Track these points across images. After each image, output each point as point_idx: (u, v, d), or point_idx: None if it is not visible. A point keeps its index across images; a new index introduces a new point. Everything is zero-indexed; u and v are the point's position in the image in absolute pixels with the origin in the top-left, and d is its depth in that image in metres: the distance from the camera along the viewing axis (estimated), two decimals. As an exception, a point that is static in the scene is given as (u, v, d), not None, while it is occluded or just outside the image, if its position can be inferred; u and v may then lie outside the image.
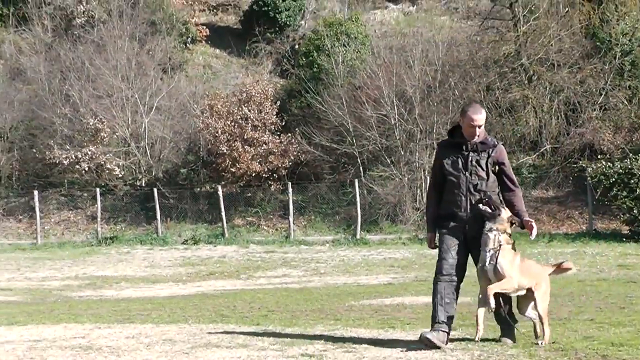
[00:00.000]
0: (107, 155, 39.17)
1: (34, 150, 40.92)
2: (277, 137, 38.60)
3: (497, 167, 9.01)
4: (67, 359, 9.07)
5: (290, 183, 36.73)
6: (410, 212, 35.40)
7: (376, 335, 10.37)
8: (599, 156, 34.10)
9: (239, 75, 46.23)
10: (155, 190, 37.63)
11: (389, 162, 36.24)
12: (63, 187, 41.12)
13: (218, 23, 52.53)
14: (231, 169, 37.80)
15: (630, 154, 32.26)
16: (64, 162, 38.86)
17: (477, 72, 38.41)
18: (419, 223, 34.41)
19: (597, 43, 37.87)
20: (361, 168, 36.94)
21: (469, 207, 8.98)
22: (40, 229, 38.04)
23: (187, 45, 48.77)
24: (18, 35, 48.95)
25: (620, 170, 30.41)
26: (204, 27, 50.00)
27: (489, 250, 8.80)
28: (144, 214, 39.11)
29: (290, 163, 38.21)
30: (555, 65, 37.70)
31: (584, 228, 33.14)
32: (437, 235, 9.32)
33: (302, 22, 49.85)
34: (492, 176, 9.03)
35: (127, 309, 14.86)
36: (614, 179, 30.45)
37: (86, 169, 38.85)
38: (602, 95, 37.36)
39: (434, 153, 9.87)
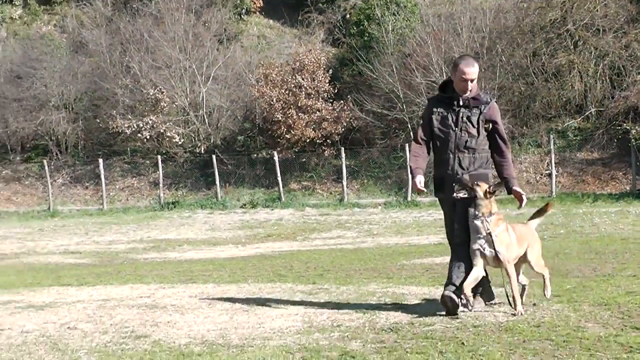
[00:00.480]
0: (167, 124, 39.37)
1: (98, 120, 41.16)
2: (330, 104, 38.52)
3: (489, 125, 8.49)
4: (134, 316, 9.11)
5: (343, 148, 36.70)
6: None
7: (427, 292, 10.34)
8: (644, 118, 33.62)
9: (292, 45, 46.05)
10: (214, 156, 37.79)
11: None
12: (126, 155, 41.60)
13: (272, -6, 52.40)
14: (286, 135, 37.83)
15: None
16: (127, 131, 39.20)
17: (524, 39, 37.94)
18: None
19: (643, 7, 37.16)
20: (411, 133, 35.25)
21: (457, 166, 8.47)
22: (106, 195, 38.62)
23: (242, 16, 48.65)
24: (80, 9, 49.27)
25: (665, 132, 30.19)
26: None
27: (482, 238, 8.22)
28: (204, 180, 39.28)
29: (343, 129, 38.15)
30: (601, 30, 37.05)
31: (627, 188, 32.79)
32: (435, 197, 9.08)
33: (353, -9, 49.43)
34: (483, 133, 8.48)
35: (189, 270, 14.89)
36: (658, 141, 30.25)
37: (147, 137, 39.20)
38: (648, 59, 36.86)
39: (424, 108, 8.83)
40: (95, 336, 7.95)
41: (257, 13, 50.00)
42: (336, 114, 38.30)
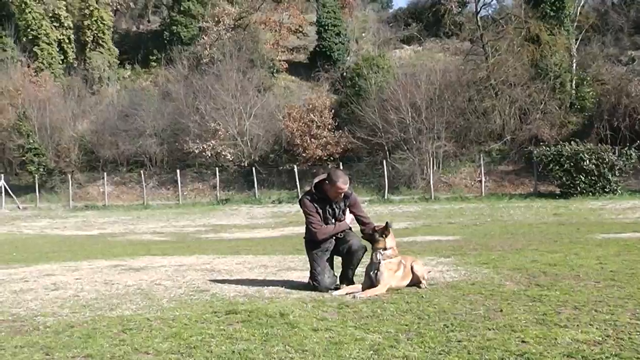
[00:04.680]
0: (222, 146, 39.16)
1: (176, 144, 41.08)
2: (332, 133, 38.38)
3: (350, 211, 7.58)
4: (199, 277, 8.97)
5: (341, 163, 36.55)
6: (419, 180, 34.96)
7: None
8: (541, 143, 33.66)
9: (307, 93, 45.68)
10: (253, 169, 37.71)
11: (405, 148, 35.64)
12: (195, 167, 41.17)
13: (294, 60, 52.35)
14: (303, 154, 37.94)
15: (560, 142, 31.75)
16: (195, 151, 39.07)
17: (462, 89, 37.71)
18: (425, 188, 34.13)
19: (539, 70, 37.22)
20: (388, 152, 36.44)
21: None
22: (181, 194, 38.45)
23: (274, 74, 48.50)
24: (167, 70, 49.43)
25: (554, 152, 29.92)
26: (285, 62, 50.07)
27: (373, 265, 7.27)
28: (247, 184, 38.82)
29: (341, 150, 37.97)
30: (513, 84, 37.04)
31: (531, 190, 32.58)
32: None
33: (348, 58, 49.47)
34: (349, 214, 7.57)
35: (236, 245, 14.54)
36: (550, 158, 29.96)
37: (209, 155, 39.11)
38: (542, 104, 36.87)
39: (305, 203, 7.42)
40: (173, 290, 7.94)
41: (284, 72, 49.96)
42: (337, 140, 38.13)
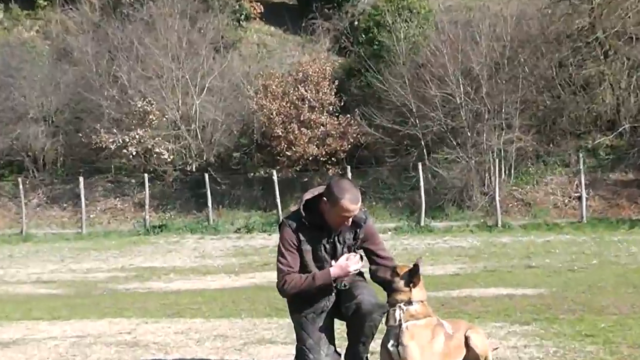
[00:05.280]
0: (156, 139, 39.41)
1: (80, 135, 41.23)
2: (336, 119, 38.59)
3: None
4: (112, 356, 9.16)
5: (349, 167, 36.92)
6: (478, 197, 35.36)
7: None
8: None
9: (295, 54, 46.54)
10: (206, 175, 37.96)
11: (454, 144, 36.09)
12: (110, 173, 41.66)
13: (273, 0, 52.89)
14: (287, 152, 37.97)
15: None
16: (111, 146, 39.22)
17: (549, 48, 38.08)
18: (487, 209, 34.66)
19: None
20: (425, 150, 36.92)
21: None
22: (86, 217, 38.58)
23: (241, 22, 48.97)
24: (65, 14, 49.67)
25: None
26: (258, 3, 50.39)
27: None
28: (195, 201, 39.36)
29: (350, 146, 38.22)
30: (634, 38, 37.22)
31: (666, 214, 33.02)
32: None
33: (361, -3, 50.10)
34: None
35: (176, 303, 14.98)
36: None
37: (134, 153, 39.25)
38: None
39: (283, 232, 7.29)
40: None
41: (257, 19, 50.61)
42: (342, 129, 38.38)
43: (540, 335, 9.29)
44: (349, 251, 7.30)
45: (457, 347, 7.02)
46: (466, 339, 7.09)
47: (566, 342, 8.74)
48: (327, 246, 7.27)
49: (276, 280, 7.33)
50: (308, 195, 7.26)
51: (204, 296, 16.22)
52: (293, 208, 36.35)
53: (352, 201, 6.97)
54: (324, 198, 7.08)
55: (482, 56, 36.53)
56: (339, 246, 7.27)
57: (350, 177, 35.11)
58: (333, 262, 7.26)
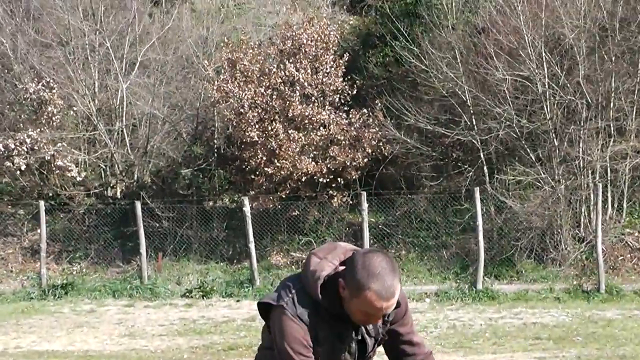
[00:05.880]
0: (59, 144, 39.31)
1: None
2: (345, 115, 38.41)
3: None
4: None
5: (364, 193, 36.30)
6: (570, 244, 35.20)
7: None
8: None
9: (280, 10, 46.79)
10: (138, 204, 37.41)
11: (532, 158, 36.04)
12: None
13: None
14: (266, 168, 37.30)
15: None
16: None
17: None
18: (584, 264, 34.60)
19: None
20: (485, 168, 37.03)
21: None
22: None
23: None
24: None
25: None
26: None
27: None
28: (120, 246, 39.42)
29: (366, 159, 37.87)
30: None
31: None
32: None
33: None
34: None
35: None
36: None
37: (22, 167, 38.99)
38: None
39: (283, 322, 7.04)
40: None
41: None
42: (354, 133, 38.18)
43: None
44: (378, 344, 7.38)
45: None
46: None
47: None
48: (354, 346, 7.25)
49: None
50: (326, 269, 7.01)
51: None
52: (276, 258, 36.66)
53: (381, 296, 6.73)
54: (340, 279, 6.91)
55: (579, 18, 36.24)
56: (369, 342, 7.30)
57: (366, 209, 35.66)
58: None
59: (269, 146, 37.27)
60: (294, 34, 39.29)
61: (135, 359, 23.67)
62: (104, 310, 33.09)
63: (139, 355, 24.29)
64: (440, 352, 22.49)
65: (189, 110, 41.56)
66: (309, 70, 38.34)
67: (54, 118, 39.55)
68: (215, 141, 40.86)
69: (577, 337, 24.42)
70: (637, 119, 36.07)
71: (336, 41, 39.77)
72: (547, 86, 35.98)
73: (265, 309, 7.15)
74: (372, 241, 35.83)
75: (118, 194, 40.32)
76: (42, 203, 37.97)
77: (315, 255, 7.09)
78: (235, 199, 38.54)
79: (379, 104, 38.16)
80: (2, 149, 38.62)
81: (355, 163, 37.50)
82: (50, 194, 39.51)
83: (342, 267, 6.95)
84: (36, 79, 39.59)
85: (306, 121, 37.84)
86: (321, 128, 37.88)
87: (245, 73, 38.48)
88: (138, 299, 34.90)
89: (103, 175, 40.70)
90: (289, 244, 37.86)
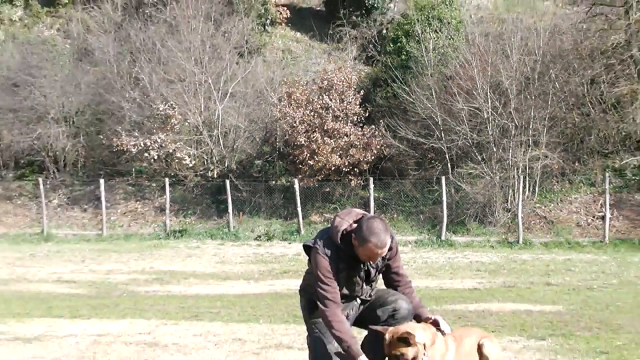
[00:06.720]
0: (178, 143, 39.04)
1: (101, 137, 40.91)
2: (360, 129, 38.24)
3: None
4: (131, 354, 9.30)
5: (372, 178, 36.35)
6: (501, 213, 35.05)
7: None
8: None
9: (320, 61, 45.87)
10: (227, 182, 37.55)
11: (479, 159, 35.80)
12: (130, 177, 41.50)
13: (300, 4, 52.42)
14: (309, 161, 37.41)
15: None
16: (132, 149, 38.70)
17: (581, 64, 37.54)
18: (509, 225, 34.35)
19: None
20: (449, 164, 36.66)
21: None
22: (106, 219, 38.38)
23: (266, 27, 48.50)
24: (86, 13, 48.96)
25: None
26: (285, 8, 49.77)
27: None
28: (215, 207, 39.15)
29: (373, 157, 37.83)
30: None
31: (691, 237, 32.33)
32: None
33: (391, 4, 49.26)
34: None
35: (195, 306, 14.93)
36: None
37: (155, 157, 38.84)
38: None
39: (319, 261, 7.66)
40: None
41: (283, 24, 49.84)
42: (366, 140, 37.98)
43: (555, 351, 9.37)
44: (378, 272, 8.01)
45: (469, 353, 7.41)
46: (479, 346, 7.47)
47: (580, 358, 8.83)
48: (362, 274, 7.86)
49: (318, 303, 7.66)
50: (343, 225, 7.69)
51: (223, 301, 16.13)
52: (314, 218, 36.71)
53: (377, 246, 7.49)
54: (353, 235, 7.61)
55: (512, 70, 36.04)
56: (372, 271, 7.91)
57: (373, 188, 35.65)
58: (364, 288, 7.92)
59: (311, 147, 37.32)
60: (328, 77, 39.23)
61: (224, 277, 23.27)
62: (205, 247, 32.99)
63: (226, 274, 23.94)
64: (417, 279, 21.98)
65: (260, 124, 40.98)
66: (337, 100, 38.31)
67: (175, 127, 39.23)
68: (277, 143, 40.31)
69: (503, 270, 24.26)
70: (547, 135, 35.71)
71: (356, 82, 39.61)
72: (490, 113, 35.76)
73: (306, 248, 7.96)
74: (375, 209, 35.84)
75: (215, 175, 39.65)
76: (167, 180, 38.37)
77: (338, 217, 7.83)
78: (289, 180, 38.08)
79: (382, 123, 37.99)
80: (142, 145, 38.29)
81: (366, 159, 37.55)
82: (172, 174, 39.15)
83: (355, 225, 7.65)
84: (164, 102, 39.11)
85: (335, 132, 37.73)
86: (345, 137, 37.72)
87: (297, 101, 38.44)
88: (226, 240, 34.77)
89: (205, 163, 40.01)
90: (322, 209, 37.77)
